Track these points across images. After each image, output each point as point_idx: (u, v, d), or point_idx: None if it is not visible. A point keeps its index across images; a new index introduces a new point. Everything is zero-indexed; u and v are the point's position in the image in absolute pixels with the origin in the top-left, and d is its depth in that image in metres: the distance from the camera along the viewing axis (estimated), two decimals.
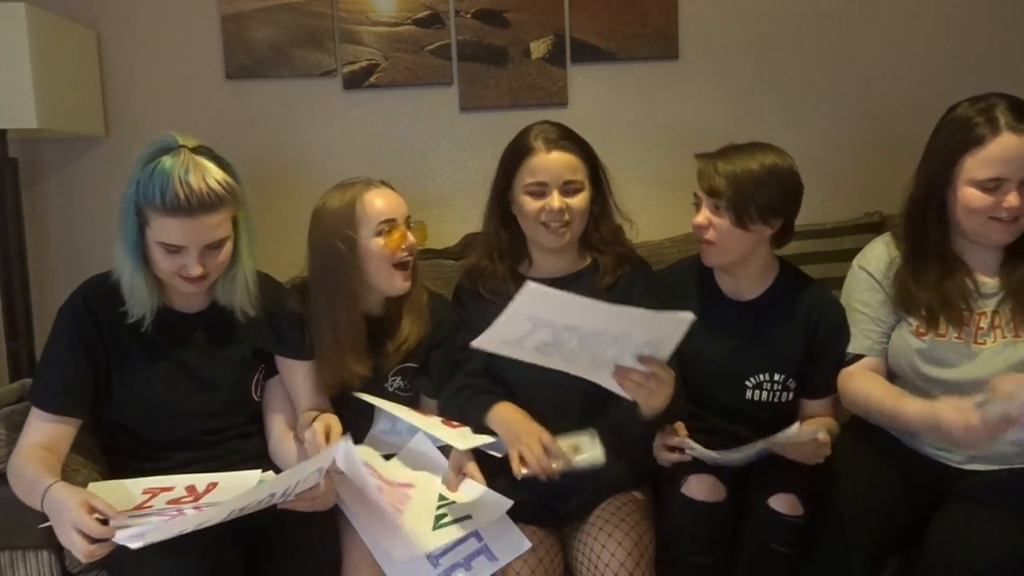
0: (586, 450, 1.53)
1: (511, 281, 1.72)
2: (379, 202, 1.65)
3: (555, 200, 1.65)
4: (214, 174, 1.49)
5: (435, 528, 1.49)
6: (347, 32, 2.33)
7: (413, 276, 1.71)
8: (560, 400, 1.65)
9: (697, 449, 1.55)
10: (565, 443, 1.54)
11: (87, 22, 2.26)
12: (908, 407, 1.53)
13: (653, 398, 1.44)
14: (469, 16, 2.36)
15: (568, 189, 1.66)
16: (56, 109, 2.05)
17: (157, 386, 1.57)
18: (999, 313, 1.59)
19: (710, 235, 1.68)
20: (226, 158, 1.57)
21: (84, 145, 2.31)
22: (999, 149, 1.51)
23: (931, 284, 1.61)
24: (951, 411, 1.42)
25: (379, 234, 1.63)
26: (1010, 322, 1.58)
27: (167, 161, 1.47)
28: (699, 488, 1.53)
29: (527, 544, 1.51)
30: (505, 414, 1.60)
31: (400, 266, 1.65)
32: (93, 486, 1.45)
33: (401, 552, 1.44)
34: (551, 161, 1.66)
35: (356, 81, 2.36)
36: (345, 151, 2.39)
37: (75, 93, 2.17)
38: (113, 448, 1.63)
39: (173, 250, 1.49)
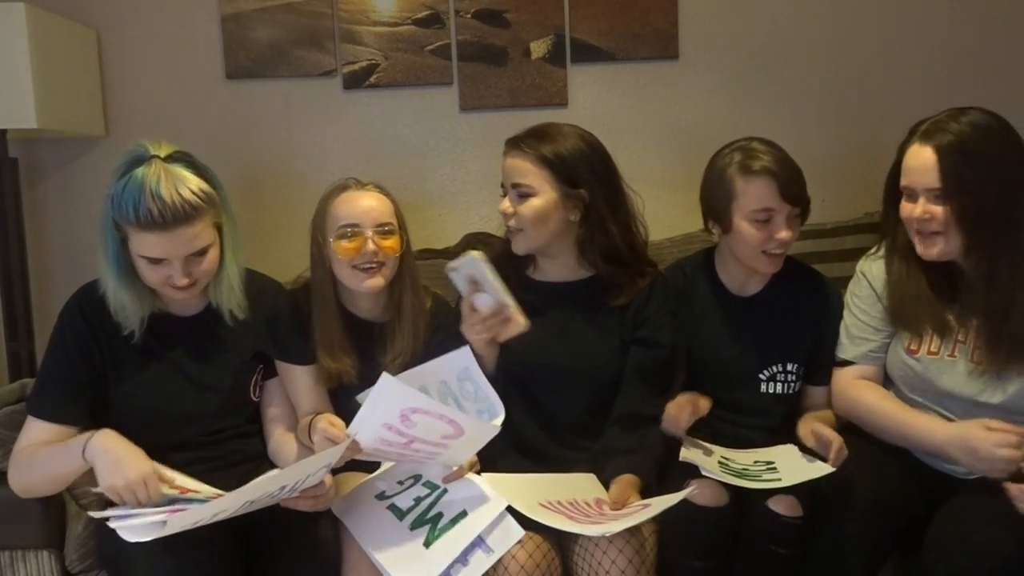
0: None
1: (519, 283, 1.73)
2: (344, 206, 1.65)
3: (504, 203, 1.69)
4: (189, 183, 1.45)
5: (437, 536, 1.47)
6: (347, 32, 2.33)
7: (411, 281, 1.72)
8: (569, 385, 1.67)
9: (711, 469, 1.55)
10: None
11: (87, 22, 2.26)
12: (929, 424, 1.55)
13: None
14: (469, 16, 2.36)
15: (516, 194, 1.67)
16: (56, 109, 2.05)
17: (155, 391, 1.56)
18: None
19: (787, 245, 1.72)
20: (212, 161, 1.55)
21: (84, 145, 2.31)
22: None
23: None
24: (979, 429, 1.45)
25: (339, 237, 1.64)
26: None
27: (139, 174, 1.43)
28: (702, 493, 1.52)
29: (520, 532, 1.50)
30: None
31: (362, 268, 1.64)
32: None
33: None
34: (505, 165, 1.70)
35: (356, 81, 2.36)
36: (345, 151, 2.39)
37: (75, 93, 2.16)
38: None
39: (156, 262, 1.47)
